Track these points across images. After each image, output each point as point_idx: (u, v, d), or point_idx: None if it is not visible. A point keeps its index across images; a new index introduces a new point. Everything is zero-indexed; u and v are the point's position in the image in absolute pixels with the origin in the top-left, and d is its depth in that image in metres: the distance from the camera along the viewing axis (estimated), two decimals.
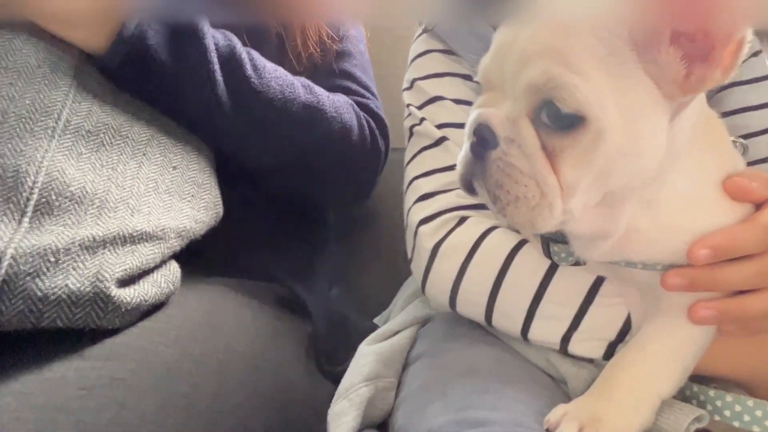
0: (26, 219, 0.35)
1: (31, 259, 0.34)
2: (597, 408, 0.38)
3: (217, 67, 0.49)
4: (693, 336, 0.40)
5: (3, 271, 0.32)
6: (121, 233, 0.40)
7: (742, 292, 0.39)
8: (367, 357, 0.49)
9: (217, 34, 0.51)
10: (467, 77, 0.54)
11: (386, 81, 0.76)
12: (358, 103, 0.64)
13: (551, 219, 0.35)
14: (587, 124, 0.33)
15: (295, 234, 0.63)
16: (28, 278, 0.34)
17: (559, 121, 0.33)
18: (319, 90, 0.59)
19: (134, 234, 0.41)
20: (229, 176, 0.54)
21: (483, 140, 0.35)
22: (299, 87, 0.56)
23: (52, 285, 0.34)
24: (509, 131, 0.35)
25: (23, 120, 0.37)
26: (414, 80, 0.56)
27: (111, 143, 0.43)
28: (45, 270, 0.34)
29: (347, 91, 0.65)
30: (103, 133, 0.43)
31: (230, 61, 0.51)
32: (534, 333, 0.44)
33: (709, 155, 0.40)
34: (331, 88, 0.63)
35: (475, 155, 0.36)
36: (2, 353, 0.34)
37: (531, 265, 0.45)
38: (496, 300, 0.45)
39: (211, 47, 0.49)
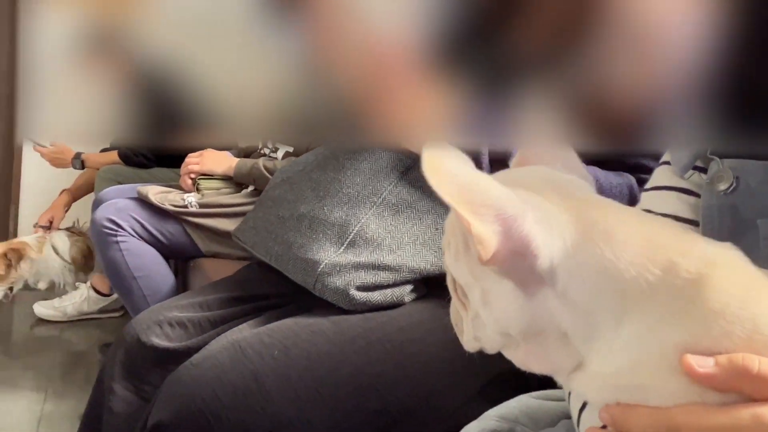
0: (341, 249, 0.75)
1: (328, 268, 0.74)
2: None
3: None
4: None
5: (320, 269, 0.75)
6: (375, 263, 0.72)
7: None
8: (522, 403, 0.56)
9: None
10: None
11: None
12: None
13: (464, 339, 0.40)
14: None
15: None
16: (326, 276, 0.75)
17: None
18: None
19: (381, 265, 0.72)
20: None
21: None
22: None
23: (331, 281, 0.74)
24: None
25: (361, 197, 0.76)
26: None
27: (403, 212, 0.74)
28: (333, 274, 0.74)
29: None
30: (401, 205, 0.75)
31: None
32: None
33: (665, 322, 0.30)
34: None
35: None
36: (314, 309, 0.77)
37: None
38: None
39: None
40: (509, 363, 0.77)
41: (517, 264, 0.32)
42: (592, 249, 0.32)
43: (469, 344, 0.39)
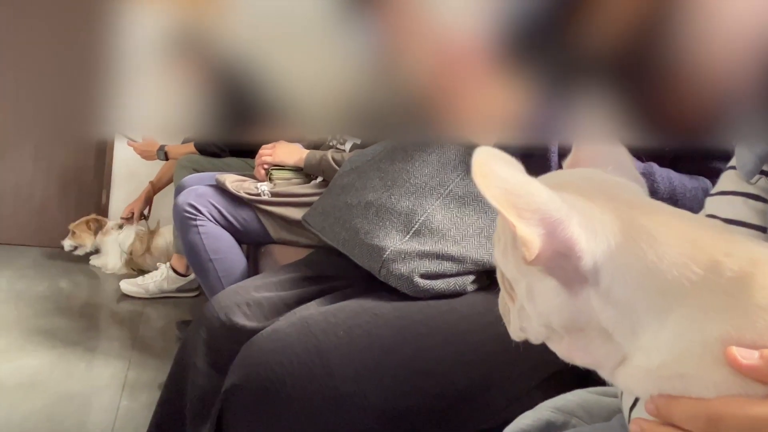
0: (407, 237, 0.78)
1: (394, 255, 0.77)
2: None
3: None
4: None
5: (385, 256, 0.78)
6: (439, 253, 0.74)
7: None
8: (579, 396, 0.57)
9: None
10: None
11: None
12: None
13: (511, 329, 0.43)
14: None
15: None
16: (391, 262, 0.77)
17: None
18: None
19: (445, 255, 0.74)
20: None
21: None
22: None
23: (396, 267, 0.76)
24: None
25: (428, 188, 0.78)
26: None
27: (469, 204, 0.76)
28: (398, 261, 0.76)
29: None
30: (467, 197, 0.76)
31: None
32: None
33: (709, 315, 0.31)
34: None
35: None
36: (378, 293, 0.80)
37: None
38: None
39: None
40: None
41: (561, 264, 0.33)
42: (635, 250, 0.32)
43: (515, 334, 0.41)
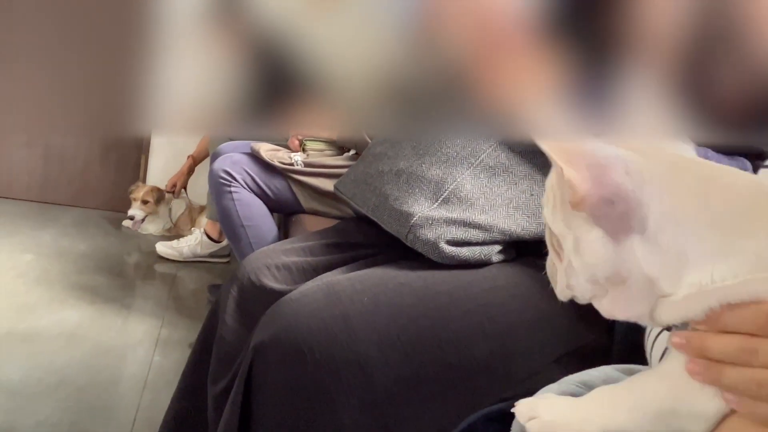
0: (435, 204, 0.78)
1: (421, 221, 0.77)
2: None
3: None
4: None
5: (413, 221, 0.79)
6: (466, 220, 0.74)
7: None
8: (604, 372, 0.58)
9: None
10: None
11: None
12: None
13: (558, 288, 0.43)
14: None
15: None
16: (418, 227, 0.78)
17: None
18: None
19: (472, 223, 0.74)
20: None
21: None
22: None
23: (423, 233, 0.77)
24: None
25: (459, 158, 0.78)
26: None
27: (499, 175, 0.75)
28: (425, 227, 0.77)
29: None
30: (498, 168, 0.75)
31: None
32: None
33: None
34: None
35: None
36: (404, 262, 0.81)
37: None
38: None
39: None
40: (590, 338, 0.77)
41: (607, 212, 0.34)
42: (683, 195, 0.34)
43: (562, 293, 0.41)
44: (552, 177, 0.40)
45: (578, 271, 0.38)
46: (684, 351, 0.35)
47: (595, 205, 0.34)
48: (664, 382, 0.37)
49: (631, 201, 0.34)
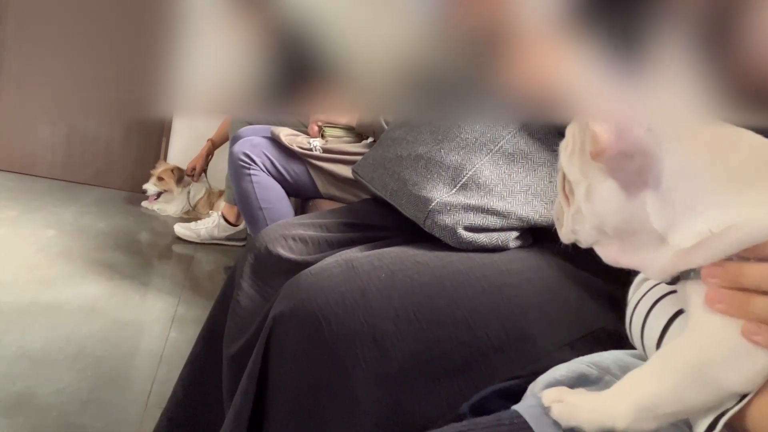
0: (453, 190, 0.79)
1: (439, 206, 0.79)
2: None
3: None
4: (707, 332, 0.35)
5: (431, 207, 0.80)
6: (484, 207, 0.75)
7: None
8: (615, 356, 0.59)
9: None
10: None
11: None
12: None
13: (563, 232, 0.45)
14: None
15: None
16: (436, 213, 0.79)
17: None
18: None
19: (490, 209, 0.75)
20: None
21: None
22: None
23: (441, 218, 0.78)
24: None
25: (478, 144, 0.79)
26: None
27: (518, 161, 0.76)
28: (443, 212, 0.78)
29: None
30: (517, 155, 0.76)
31: None
32: None
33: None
34: None
35: None
36: (422, 242, 0.82)
37: None
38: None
39: None
40: (604, 323, 0.77)
41: (624, 165, 0.36)
42: (700, 151, 0.35)
43: (567, 236, 0.43)
44: (573, 126, 0.41)
45: (586, 218, 0.39)
46: (718, 278, 0.35)
47: (614, 158, 0.36)
48: (689, 338, 0.36)
49: (649, 157, 0.35)
